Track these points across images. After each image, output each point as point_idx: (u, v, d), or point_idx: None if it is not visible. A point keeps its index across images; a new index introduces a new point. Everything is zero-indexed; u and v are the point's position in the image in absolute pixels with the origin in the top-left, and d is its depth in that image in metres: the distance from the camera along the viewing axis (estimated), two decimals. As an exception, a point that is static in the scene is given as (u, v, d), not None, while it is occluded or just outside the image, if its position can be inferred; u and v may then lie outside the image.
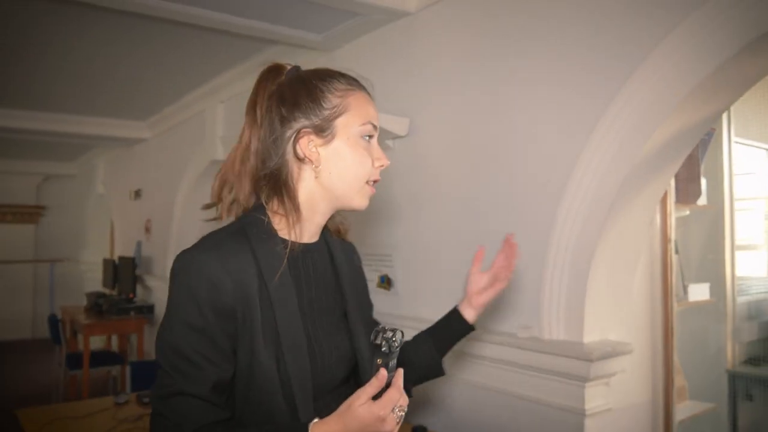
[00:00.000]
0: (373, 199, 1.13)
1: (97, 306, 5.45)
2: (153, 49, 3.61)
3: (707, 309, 3.23)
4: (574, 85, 1.96)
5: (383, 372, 0.92)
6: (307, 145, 1.05)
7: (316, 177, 1.06)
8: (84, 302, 6.07)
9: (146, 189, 5.92)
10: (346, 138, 1.05)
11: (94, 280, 7.51)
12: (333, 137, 1.05)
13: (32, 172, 8.85)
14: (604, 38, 1.88)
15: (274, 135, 1.05)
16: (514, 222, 2.14)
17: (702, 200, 2.43)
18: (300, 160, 1.05)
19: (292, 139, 1.05)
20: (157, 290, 5.36)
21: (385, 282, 2.73)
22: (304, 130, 1.04)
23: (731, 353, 3.29)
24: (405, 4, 2.57)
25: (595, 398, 1.91)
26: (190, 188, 4.93)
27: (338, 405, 0.95)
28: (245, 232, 1.03)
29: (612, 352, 1.89)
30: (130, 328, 5.21)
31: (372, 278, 2.80)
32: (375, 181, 1.10)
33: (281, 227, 1.06)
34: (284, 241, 1.04)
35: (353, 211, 1.12)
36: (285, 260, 1.02)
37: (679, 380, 2.42)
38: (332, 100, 1.06)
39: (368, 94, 1.12)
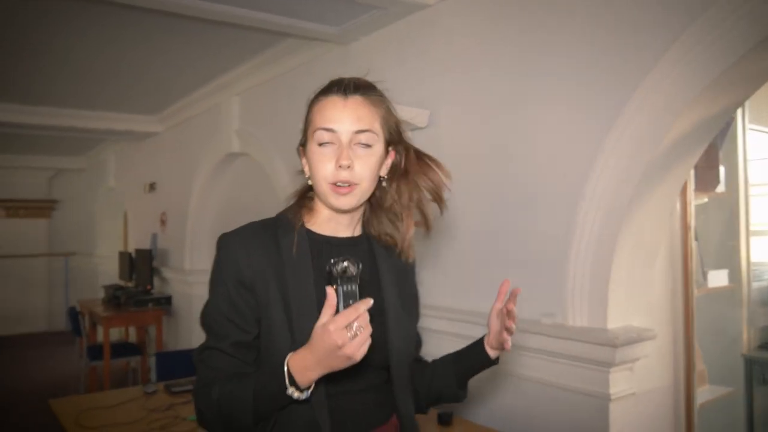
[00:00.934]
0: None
1: (116, 298, 5.53)
2: (165, 43, 3.63)
3: (725, 295, 3.26)
4: (594, 77, 1.99)
5: (330, 292, 1.01)
6: (301, 158, 1.21)
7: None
8: (101, 295, 6.15)
9: (161, 182, 5.97)
10: (310, 146, 1.16)
11: (107, 273, 7.59)
12: (306, 147, 1.18)
13: (43, 167, 8.91)
14: (624, 32, 1.91)
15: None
16: (536, 212, 2.18)
17: (720, 188, 2.45)
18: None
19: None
20: (174, 282, 5.43)
21: (407, 272, 2.76)
22: (299, 146, 1.21)
23: (747, 338, 3.33)
24: (423, -3, 2.59)
25: (620, 383, 1.95)
26: (206, 181, 4.98)
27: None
28: (276, 221, 1.21)
29: (636, 337, 1.93)
30: (148, 320, 5.28)
31: (393, 268, 2.84)
32: (344, 182, 1.12)
33: (307, 219, 1.22)
34: (309, 230, 1.20)
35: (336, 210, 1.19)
36: (294, 241, 1.16)
37: (699, 365, 2.46)
38: (307, 116, 1.19)
39: (336, 96, 1.15)
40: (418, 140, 2.68)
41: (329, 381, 1.10)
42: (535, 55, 2.19)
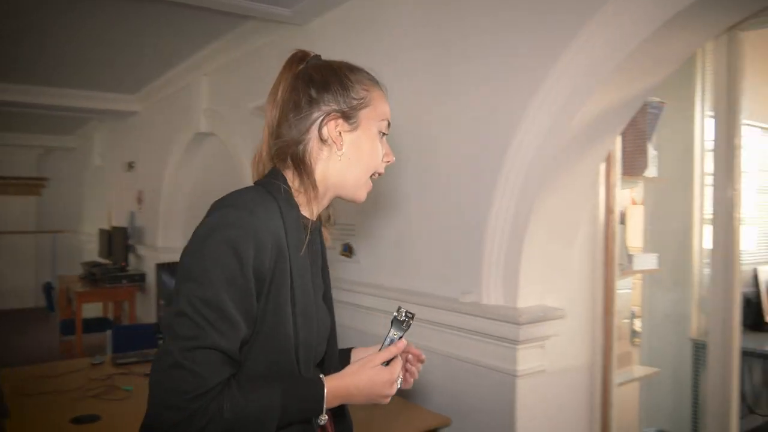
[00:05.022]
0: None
1: (92, 275, 5.62)
2: (137, 24, 3.69)
3: (676, 280, 3.33)
4: (511, 57, 2.02)
5: (403, 342, 1.08)
6: (334, 128, 1.09)
7: (335, 160, 1.10)
8: (81, 271, 6.25)
9: (139, 161, 6.04)
10: (367, 130, 1.11)
11: (92, 251, 7.68)
12: (357, 126, 1.10)
13: (33, 144, 8.98)
14: (540, 12, 1.93)
15: (301, 114, 1.09)
16: (458, 192, 2.22)
17: (651, 172, 2.48)
18: (323, 141, 1.10)
19: (320, 120, 1.09)
20: (149, 259, 5.51)
21: (348, 250, 2.82)
22: (334, 113, 1.09)
23: (696, 323, 3.39)
24: (365, -22, 2.62)
25: (528, 360, 2.01)
26: (178, 160, 5.04)
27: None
28: (273, 196, 1.05)
29: (543, 316, 1.98)
30: (122, 296, 5.38)
31: (335, 246, 2.90)
32: (379, 174, 1.16)
33: (299, 201, 1.10)
34: (302, 215, 1.10)
35: (351, 202, 1.16)
36: (308, 233, 1.07)
37: (623, 346, 2.52)
38: (360, 91, 1.11)
39: (385, 93, 1.17)
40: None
41: None
42: (467, 37, 2.22)
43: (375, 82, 1.16)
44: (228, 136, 4.08)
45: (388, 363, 1.07)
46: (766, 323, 3.70)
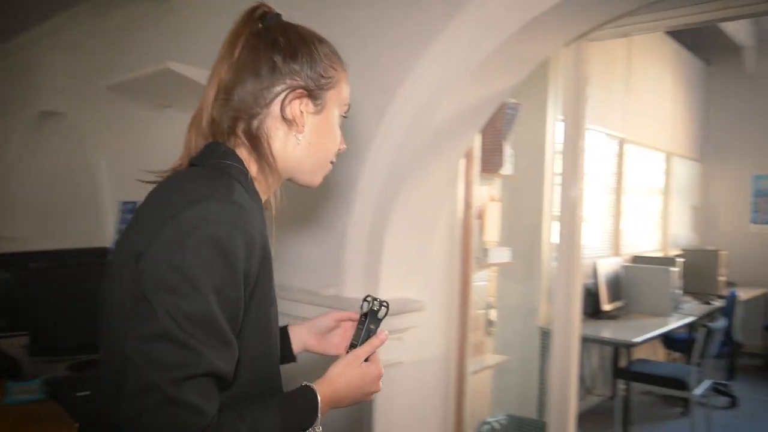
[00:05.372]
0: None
1: None
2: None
3: (527, 273, 3.56)
4: (375, 55, 2.03)
5: (385, 334, 1.02)
6: (298, 107, 0.97)
7: (293, 144, 0.99)
8: None
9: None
10: (330, 114, 1.02)
11: None
12: (322, 109, 1.00)
13: None
14: (404, 10, 1.96)
15: (262, 84, 0.95)
16: (322, 185, 2.19)
17: (507, 170, 2.62)
18: (283, 119, 0.97)
19: (284, 95, 0.96)
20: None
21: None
22: (300, 91, 0.97)
23: (544, 312, 3.64)
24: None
25: (387, 352, 2.03)
26: (23, 141, 4.56)
27: None
28: (240, 182, 0.91)
29: (402, 308, 2.02)
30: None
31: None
32: (331, 163, 1.08)
33: (258, 189, 0.98)
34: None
35: (305, 187, 1.07)
36: (273, 226, 0.97)
37: (478, 336, 2.64)
38: (328, 69, 1.01)
39: (347, 73, 1.08)
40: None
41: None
42: (332, 31, 2.19)
43: (341, 59, 1.06)
44: (78, 116, 3.76)
45: (367, 359, 1.03)
46: (603, 312, 4.06)
